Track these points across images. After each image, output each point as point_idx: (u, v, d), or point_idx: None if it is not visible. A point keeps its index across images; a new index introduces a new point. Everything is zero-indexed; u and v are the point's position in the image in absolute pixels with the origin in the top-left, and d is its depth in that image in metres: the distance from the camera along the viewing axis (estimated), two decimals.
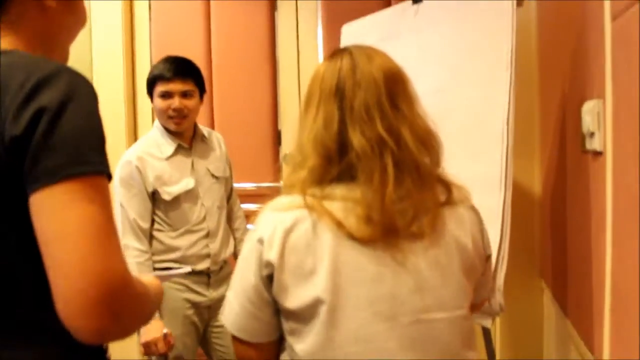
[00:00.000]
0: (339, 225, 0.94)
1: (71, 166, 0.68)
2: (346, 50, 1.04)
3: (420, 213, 0.96)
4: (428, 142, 1.01)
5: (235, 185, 2.38)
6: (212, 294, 2.06)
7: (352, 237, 0.94)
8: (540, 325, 2.25)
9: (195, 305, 2.02)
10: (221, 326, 2.10)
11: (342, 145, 0.97)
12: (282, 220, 0.96)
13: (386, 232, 0.94)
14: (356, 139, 0.95)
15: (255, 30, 2.67)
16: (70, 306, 0.67)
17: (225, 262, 2.13)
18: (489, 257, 1.11)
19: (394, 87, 1.00)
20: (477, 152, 1.58)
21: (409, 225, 0.95)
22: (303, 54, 2.65)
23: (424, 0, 1.86)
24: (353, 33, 2.18)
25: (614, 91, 1.18)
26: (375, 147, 0.95)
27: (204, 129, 2.13)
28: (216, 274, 2.08)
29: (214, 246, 2.03)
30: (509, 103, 1.54)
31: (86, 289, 0.66)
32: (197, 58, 2.66)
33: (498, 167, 1.53)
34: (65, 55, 0.92)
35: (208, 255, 2.02)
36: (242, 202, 2.40)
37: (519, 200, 2.20)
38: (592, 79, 1.37)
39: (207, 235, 2.02)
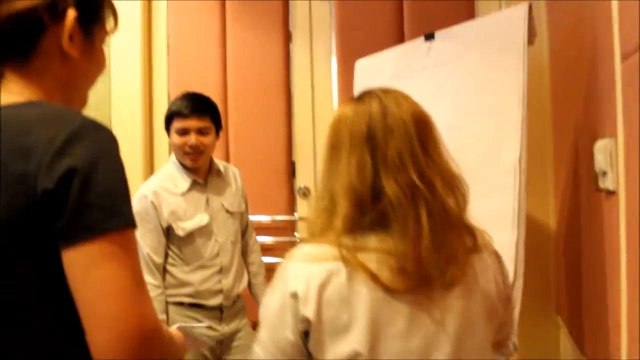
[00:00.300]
0: (374, 278, 0.92)
1: (106, 222, 0.72)
2: (373, 93, 1.02)
3: (452, 262, 0.96)
4: (456, 186, 1.00)
5: (250, 217, 2.40)
6: (225, 328, 2.06)
7: (387, 289, 0.93)
8: None
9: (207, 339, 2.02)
10: None
11: (375, 193, 0.95)
12: (315, 273, 0.94)
13: (420, 282, 0.93)
14: (390, 187, 0.93)
15: (270, 62, 2.71)
16: (105, 353, 0.71)
17: (238, 296, 2.14)
18: (509, 298, 1.10)
19: (424, 132, 0.99)
20: (490, 188, 1.58)
21: (441, 274, 0.94)
22: (317, 87, 2.68)
23: (436, 39, 1.88)
24: (366, 68, 2.21)
25: (626, 130, 1.19)
26: (409, 195, 0.93)
27: (221, 164, 2.15)
28: (229, 309, 2.08)
29: (226, 282, 2.04)
30: (522, 140, 1.55)
31: (122, 339, 0.70)
32: (213, 91, 2.71)
33: (511, 203, 1.53)
34: (84, 101, 0.96)
35: (221, 291, 2.03)
36: (257, 235, 2.41)
37: (534, 235, 2.19)
38: (603, 118, 1.38)
39: (220, 271, 2.02)
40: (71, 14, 0.83)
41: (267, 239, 2.66)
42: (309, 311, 0.92)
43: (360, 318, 0.92)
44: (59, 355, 0.77)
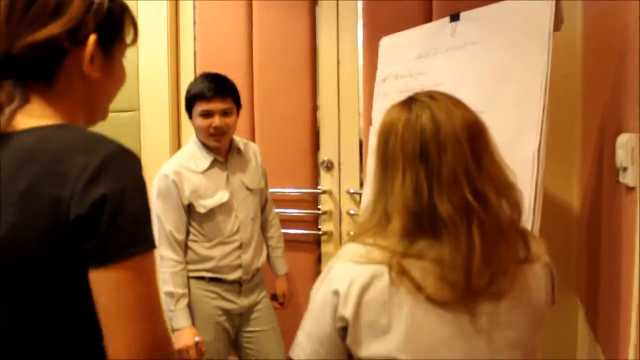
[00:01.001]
0: (418, 287, 0.93)
1: (134, 245, 0.77)
2: (424, 103, 1.00)
3: (500, 273, 0.95)
4: (510, 196, 1.00)
5: (274, 190, 2.43)
6: (244, 301, 2.13)
7: (429, 299, 0.93)
8: (574, 346, 2.22)
9: (227, 312, 2.09)
10: (252, 331, 2.17)
11: (430, 211, 0.94)
12: (359, 274, 0.95)
13: (465, 294, 0.93)
14: (443, 207, 0.93)
15: (295, 36, 2.69)
16: None
17: (257, 270, 2.19)
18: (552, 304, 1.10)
19: (477, 142, 0.97)
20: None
21: (487, 286, 0.94)
22: (343, 61, 2.66)
23: (461, 19, 1.84)
24: (391, 47, 2.18)
25: None
26: (462, 214, 0.93)
27: (241, 141, 2.18)
28: (247, 283, 2.14)
29: (246, 257, 2.09)
30: (541, 131, 1.52)
31: (142, 355, 0.77)
32: (239, 66, 2.74)
33: (528, 194, 1.52)
34: (105, 114, 0.99)
35: (240, 266, 2.08)
36: (280, 208, 2.45)
37: (558, 215, 2.18)
38: (627, 111, 1.35)
39: (240, 247, 2.07)
40: (92, 38, 0.86)
41: (291, 212, 2.70)
42: (347, 311, 0.95)
43: (399, 324, 0.93)
44: None
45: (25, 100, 0.85)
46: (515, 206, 1.00)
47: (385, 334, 0.94)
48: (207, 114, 2.00)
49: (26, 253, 0.76)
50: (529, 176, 1.53)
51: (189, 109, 2.05)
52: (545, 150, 1.53)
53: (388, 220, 0.98)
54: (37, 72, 0.85)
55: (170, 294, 1.97)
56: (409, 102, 1.03)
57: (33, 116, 0.84)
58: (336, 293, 0.96)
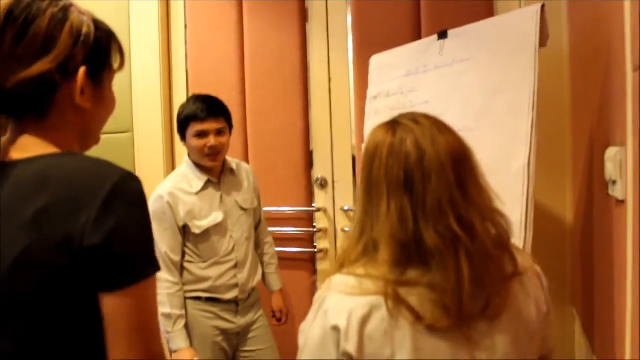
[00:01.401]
0: (416, 315, 0.92)
1: (144, 269, 0.84)
2: (407, 127, 1.00)
3: (494, 295, 0.95)
4: (495, 220, 1.00)
5: (269, 209, 2.44)
6: (241, 320, 2.13)
7: (428, 326, 0.93)
8: (572, 356, 2.22)
9: (224, 332, 2.09)
10: (250, 350, 2.17)
11: (416, 240, 0.94)
12: (357, 307, 0.94)
13: (461, 319, 0.93)
14: (429, 237, 0.93)
15: (287, 55, 2.71)
16: None
17: (253, 289, 2.19)
18: (549, 314, 1.08)
19: (462, 169, 0.97)
20: (501, 192, 1.58)
21: (483, 309, 0.95)
22: (334, 79, 2.67)
23: (449, 37, 1.87)
24: (381, 64, 2.20)
25: (635, 141, 1.18)
26: (449, 243, 0.93)
27: (233, 162, 2.19)
28: (244, 302, 2.14)
29: (242, 276, 2.09)
30: (531, 145, 1.54)
31: None
32: (231, 84, 2.76)
33: (519, 209, 1.53)
34: (97, 140, 1.01)
35: (236, 285, 2.08)
36: (276, 226, 2.46)
37: (551, 228, 2.20)
38: (615, 125, 1.36)
39: (236, 266, 2.08)
40: (81, 71, 0.88)
41: (287, 230, 2.70)
42: (350, 346, 0.93)
43: (402, 353, 0.92)
44: None
45: (20, 133, 0.88)
46: (500, 227, 1.00)
47: None
48: (201, 134, 2.02)
49: (36, 276, 0.79)
50: (519, 190, 1.54)
51: (182, 130, 2.07)
52: (535, 164, 1.55)
53: (375, 248, 0.98)
54: (31, 106, 0.87)
55: (168, 316, 1.97)
56: (393, 125, 1.02)
57: (29, 147, 0.86)
58: (336, 329, 0.94)
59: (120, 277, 0.81)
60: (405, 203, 0.95)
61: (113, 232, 0.79)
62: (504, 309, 0.96)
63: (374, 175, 0.99)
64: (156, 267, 0.86)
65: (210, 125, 2.02)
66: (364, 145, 1.07)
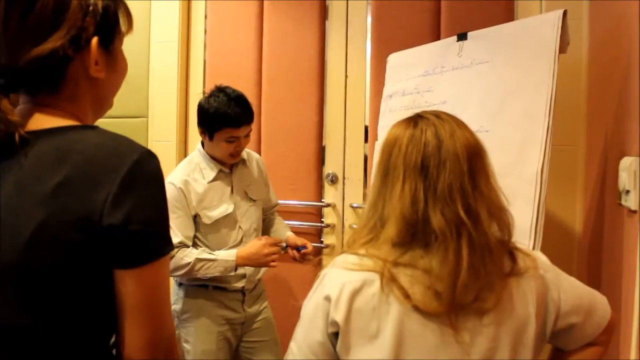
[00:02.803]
0: (406, 296, 0.96)
1: (162, 248, 0.85)
2: (429, 120, 1.04)
3: (486, 290, 0.98)
4: (501, 218, 1.03)
5: (278, 202, 2.44)
6: (246, 310, 2.13)
7: (416, 308, 0.96)
8: None
9: (229, 321, 2.09)
10: (253, 341, 2.18)
11: (424, 221, 0.98)
12: (351, 280, 0.98)
13: (451, 307, 0.96)
14: (436, 219, 0.96)
15: (305, 51, 2.71)
16: (142, 352, 0.84)
17: (259, 280, 2.20)
18: (571, 311, 1.08)
19: (475, 163, 1.01)
20: (513, 196, 1.57)
21: (473, 301, 0.97)
22: (351, 76, 2.68)
23: (468, 39, 1.86)
24: (398, 64, 2.20)
25: None
26: (453, 229, 0.96)
27: (245, 152, 2.17)
28: (250, 292, 2.15)
29: (250, 267, 2.10)
30: (545, 152, 1.54)
31: (160, 342, 0.86)
32: (248, 77, 2.77)
33: (530, 214, 1.53)
34: (111, 105, 1.01)
35: (244, 276, 2.09)
36: (284, 219, 2.45)
37: (560, 235, 2.19)
38: (630, 135, 1.36)
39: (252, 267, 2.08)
40: (94, 42, 0.88)
41: (295, 224, 2.71)
42: (338, 316, 0.97)
43: (388, 330, 0.96)
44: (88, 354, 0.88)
45: (34, 106, 0.87)
46: (506, 228, 1.03)
47: (374, 339, 0.96)
48: (234, 139, 2.00)
49: (52, 251, 0.78)
50: (531, 195, 1.54)
51: (211, 130, 2.00)
52: (548, 170, 1.55)
53: (382, 224, 1.02)
54: (44, 81, 0.87)
55: (198, 260, 1.95)
56: (415, 119, 1.07)
57: (46, 120, 0.86)
58: (327, 298, 0.99)
59: (137, 256, 0.82)
60: (419, 186, 0.99)
61: (132, 212, 0.80)
62: (497, 307, 0.98)
63: (392, 160, 1.04)
64: (171, 246, 0.87)
65: (243, 132, 2.00)
66: (379, 140, 1.09)
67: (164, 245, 0.86)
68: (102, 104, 0.97)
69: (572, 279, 1.12)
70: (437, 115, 1.06)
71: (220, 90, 2.02)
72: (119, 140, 0.85)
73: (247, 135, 2.04)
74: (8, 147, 0.81)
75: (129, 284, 0.83)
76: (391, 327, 0.95)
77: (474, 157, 1.01)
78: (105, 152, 0.82)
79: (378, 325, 0.96)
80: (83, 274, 0.81)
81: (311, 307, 1.03)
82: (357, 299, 0.97)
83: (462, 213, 0.96)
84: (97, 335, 0.88)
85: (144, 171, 0.82)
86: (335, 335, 0.99)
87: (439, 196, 0.97)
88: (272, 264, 2.04)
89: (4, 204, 0.79)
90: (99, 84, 0.92)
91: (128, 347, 0.84)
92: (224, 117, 1.96)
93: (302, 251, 2.20)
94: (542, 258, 1.11)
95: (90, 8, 0.87)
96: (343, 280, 0.99)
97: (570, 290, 1.09)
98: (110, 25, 0.92)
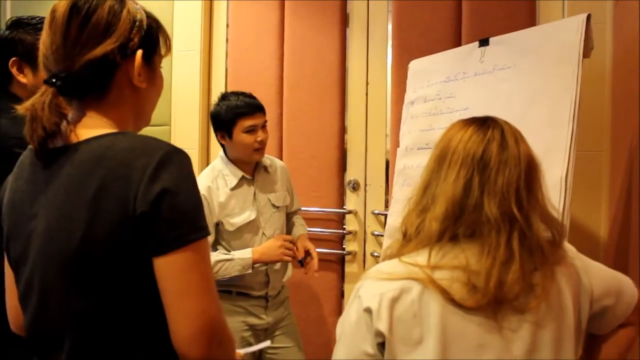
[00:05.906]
0: (445, 294, 0.97)
1: (192, 233, 0.89)
2: (498, 123, 1.08)
3: (530, 291, 0.99)
4: (553, 225, 1.06)
5: (302, 209, 2.45)
6: (269, 317, 2.14)
7: (456, 304, 0.97)
8: None
9: (252, 327, 2.10)
10: (276, 347, 2.18)
11: (476, 207, 1.01)
12: (387, 290, 1.00)
13: (492, 301, 0.97)
14: (490, 209, 0.99)
15: (326, 57, 2.72)
16: (188, 341, 0.87)
17: (282, 286, 2.21)
18: (603, 295, 1.11)
19: (532, 173, 1.05)
20: None
21: (515, 298, 0.98)
22: (372, 82, 2.69)
23: (490, 44, 1.86)
24: (420, 70, 2.20)
25: None
26: (507, 221, 0.99)
27: (267, 158, 2.20)
28: (273, 298, 2.16)
29: (272, 273, 2.11)
30: (569, 157, 1.52)
31: (204, 330, 0.88)
32: (269, 84, 2.79)
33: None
34: (149, 120, 1.10)
35: (267, 282, 2.10)
36: (307, 227, 2.45)
37: (585, 242, 2.16)
38: None
39: (267, 263, 2.09)
40: (139, 53, 0.98)
41: (316, 230, 2.71)
42: (382, 325, 0.98)
43: (432, 332, 0.97)
44: (145, 345, 0.93)
45: (83, 113, 0.97)
46: (557, 234, 1.06)
47: (419, 345, 0.97)
48: (252, 129, 2.03)
49: (100, 248, 0.87)
50: (556, 201, 1.53)
51: (229, 128, 2.04)
52: (572, 177, 1.53)
53: (432, 206, 1.04)
54: (94, 85, 0.96)
55: (216, 263, 1.99)
56: (484, 117, 1.11)
57: (91, 127, 0.96)
58: (368, 310, 1.00)
59: (167, 241, 0.87)
60: (475, 175, 1.02)
61: (160, 197, 0.86)
62: (538, 306, 0.99)
63: (452, 145, 1.07)
64: (205, 232, 0.91)
65: (259, 120, 2.04)
66: (440, 137, 1.11)
67: (194, 231, 0.89)
68: (142, 115, 1.06)
69: (597, 263, 1.15)
70: (506, 122, 1.10)
71: (224, 95, 2.10)
72: (147, 141, 0.92)
73: (264, 126, 2.07)
74: (60, 155, 0.93)
75: (161, 271, 0.88)
76: (434, 331, 0.96)
77: (532, 168, 1.05)
78: (135, 153, 0.89)
79: (421, 331, 0.97)
80: (131, 265, 0.88)
81: (352, 322, 1.03)
82: (397, 308, 0.98)
83: (515, 210, 0.99)
84: (155, 322, 0.91)
85: (170, 163, 0.89)
86: (382, 345, 1.00)
87: (497, 191, 1.00)
88: (286, 258, 2.06)
89: (58, 210, 0.91)
90: (140, 93, 1.02)
91: (175, 341, 0.88)
92: (236, 109, 2.03)
93: (306, 260, 2.19)
94: (568, 246, 1.14)
95: (137, 23, 0.98)
96: (380, 290, 1.00)
97: (599, 275, 1.12)
98: (153, 41, 1.03)
